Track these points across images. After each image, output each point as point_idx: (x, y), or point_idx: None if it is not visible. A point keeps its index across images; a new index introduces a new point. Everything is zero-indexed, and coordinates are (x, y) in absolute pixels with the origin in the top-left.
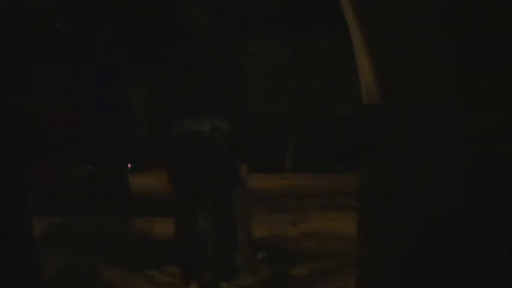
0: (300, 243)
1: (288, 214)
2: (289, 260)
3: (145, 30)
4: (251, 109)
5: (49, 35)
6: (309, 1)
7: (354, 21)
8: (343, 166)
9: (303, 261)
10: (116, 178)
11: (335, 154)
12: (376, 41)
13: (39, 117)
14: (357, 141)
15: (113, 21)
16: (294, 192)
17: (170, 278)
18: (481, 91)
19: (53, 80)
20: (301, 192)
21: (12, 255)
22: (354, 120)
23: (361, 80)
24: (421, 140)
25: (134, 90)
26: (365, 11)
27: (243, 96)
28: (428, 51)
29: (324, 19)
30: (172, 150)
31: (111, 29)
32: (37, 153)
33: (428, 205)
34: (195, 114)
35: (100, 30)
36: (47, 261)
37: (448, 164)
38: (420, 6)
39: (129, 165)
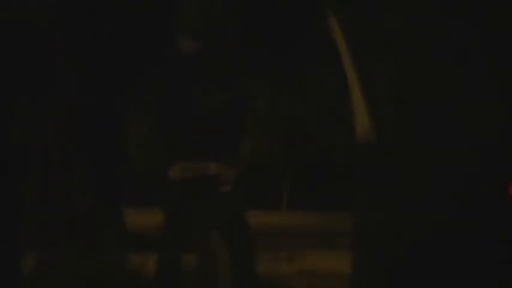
0: (296, 281)
1: (284, 251)
2: None
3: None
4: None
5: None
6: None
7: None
8: (341, 205)
9: None
10: (112, 214)
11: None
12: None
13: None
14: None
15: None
16: (290, 229)
17: None
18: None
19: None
20: (298, 229)
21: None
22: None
23: (356, 119)
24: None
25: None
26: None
27: (246, 135)
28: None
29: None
30: (173, 192)
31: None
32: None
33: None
34: (197, 156)
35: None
36: None
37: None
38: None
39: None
